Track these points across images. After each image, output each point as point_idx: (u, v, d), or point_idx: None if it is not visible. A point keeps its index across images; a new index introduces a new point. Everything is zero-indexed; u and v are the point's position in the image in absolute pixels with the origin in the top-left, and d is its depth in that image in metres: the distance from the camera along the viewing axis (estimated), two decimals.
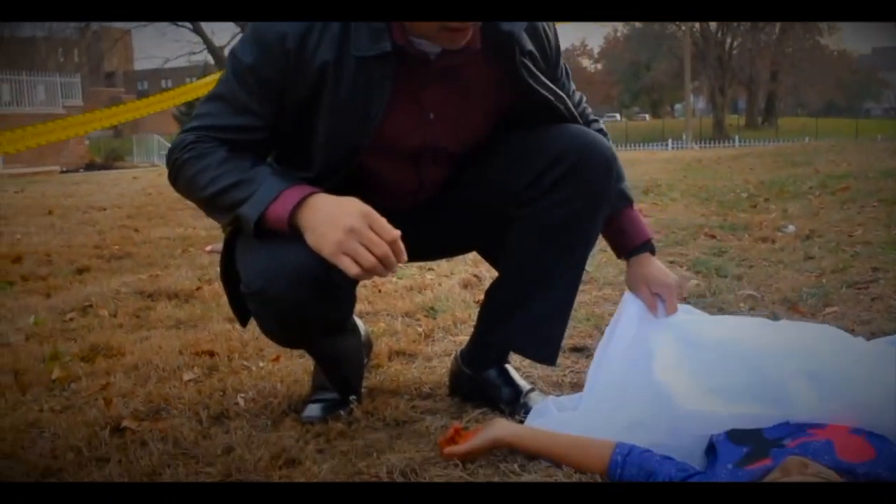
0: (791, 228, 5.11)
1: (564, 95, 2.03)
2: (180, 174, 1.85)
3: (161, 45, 79.13)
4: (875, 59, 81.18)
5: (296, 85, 1.79)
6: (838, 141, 20.28)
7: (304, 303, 1.80)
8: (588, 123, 2.14)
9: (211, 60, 48.59)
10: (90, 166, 26.10)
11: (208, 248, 4.93)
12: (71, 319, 3.34)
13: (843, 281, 3.56)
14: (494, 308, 2.17)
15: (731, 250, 4.47)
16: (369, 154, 1.89)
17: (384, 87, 1.80)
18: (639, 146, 41.02)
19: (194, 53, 49.27)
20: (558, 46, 2.05)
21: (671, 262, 4.07)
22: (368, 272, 1.64)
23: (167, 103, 4.83)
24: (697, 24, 53.60)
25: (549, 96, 1.97)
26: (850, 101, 74.30)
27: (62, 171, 22.56)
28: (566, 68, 2.13)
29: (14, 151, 3.90)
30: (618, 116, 75.28)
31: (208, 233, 5.62)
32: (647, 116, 75.99)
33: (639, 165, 12.12)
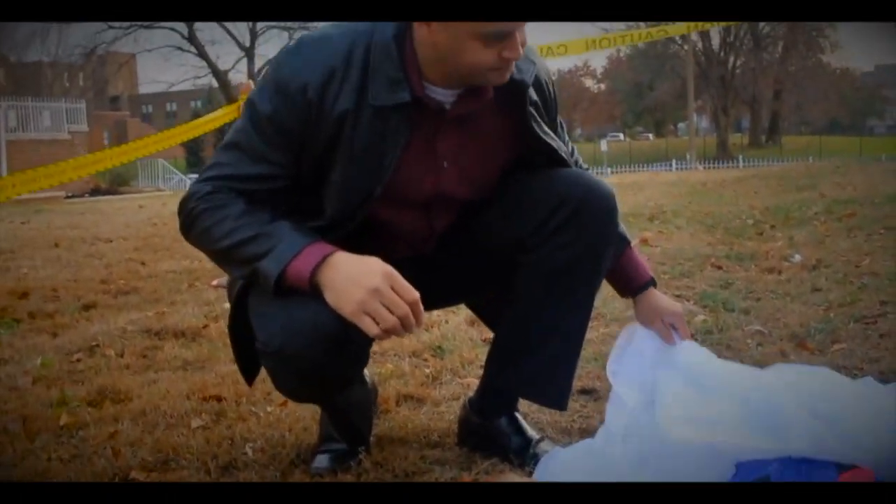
0: (797, 258, 5.10)
1: (563, 144, 2.07)
2: (195, 225, 1.84)
3: (165, 70, 79.55)
4: (878, 77, 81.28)
5: (315, 135, 1.80)
6: (843, 161, 20.26)
7: (323, 361, 1.79)
8: None
9: (215, 84, 48.87)
10: (95, 191, 26.16)
11: (214, 282, 4.93)
12: (78, 360, 3.35)
13: (851, 315, 3.54)
14: (502, 354, 2.16)
15: (737, 282, 4.46)
16: (381, 202, 1.89)
17: (400, 136, 1.82)
18: (642, 167, 41.09)
19: (199, 77, 49.42)
20: (556, 99, 2.08)
21: (678, 296, 4.06)
22: (388, 332, 1.65)
23: (178, 138, 4.84)
24: (700, 44, 53.76)
25: (553, 144, 2.00)
26: (854, 119, 74.43)
27: (67, 197, 22.62)
28: (561, 122, 2.16)
29: (27, 192, 3.90)
30: (621, 136, 75.45)
31: (214, 266, 5.61)
32: (651, 136, 76.18)
33: (644, 190, 12.13)
